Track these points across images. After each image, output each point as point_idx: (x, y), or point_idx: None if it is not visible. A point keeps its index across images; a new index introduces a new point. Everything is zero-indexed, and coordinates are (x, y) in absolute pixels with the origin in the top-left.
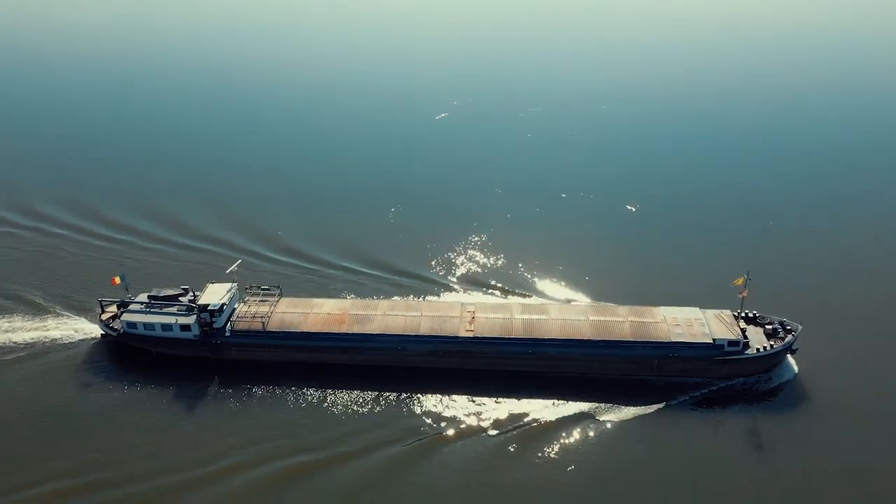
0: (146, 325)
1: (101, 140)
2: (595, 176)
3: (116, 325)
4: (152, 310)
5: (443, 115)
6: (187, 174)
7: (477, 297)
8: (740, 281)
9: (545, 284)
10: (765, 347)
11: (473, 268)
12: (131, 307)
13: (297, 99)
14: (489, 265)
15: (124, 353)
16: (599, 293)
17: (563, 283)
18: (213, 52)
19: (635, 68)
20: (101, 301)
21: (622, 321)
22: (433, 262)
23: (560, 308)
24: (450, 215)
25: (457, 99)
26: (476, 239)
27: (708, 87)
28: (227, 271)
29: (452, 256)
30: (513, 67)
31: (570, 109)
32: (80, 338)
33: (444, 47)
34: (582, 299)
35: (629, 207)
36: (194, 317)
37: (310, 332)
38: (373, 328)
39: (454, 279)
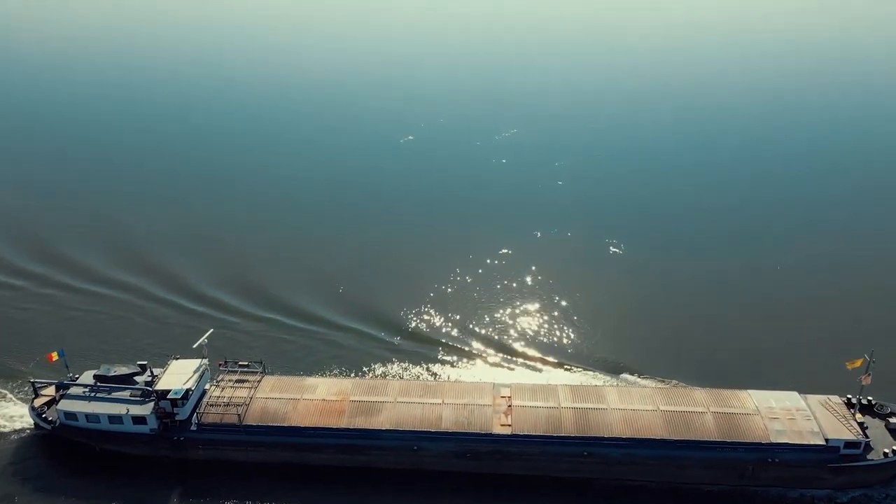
0: (89, 417)
1: (45, 157)
2: (635, 208)
3: (52, 414)
4: (98, 395)
5: (409, 137)
6: (153, 201)
7: (511, 373)
8: (859, 363)
9: (594, 352)
10: (894, 450)
11: (499, 327)
12: (71, 391)
13: (251, 131)
14: (519, 325)
15: (60, 451)
16: (664, 364)
17: (615, 352)
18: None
19: (628, 73)
20: (34, 383)
21: (703, 412)
22: (446, 319)
23: (620, 392)
24: (454, 257)
25: (424, 120)
26: (498, 290)
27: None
28: (195, 345)
29: (468, 311)
30: (489, 85)
31: (557, 130)
32: (7, 428)
33: (413, 58)
34: (643, 373)
35: (684, 251)
36: (151, 405)
37: (299, 427)
38: (380, 421)
39: (477, 343)
